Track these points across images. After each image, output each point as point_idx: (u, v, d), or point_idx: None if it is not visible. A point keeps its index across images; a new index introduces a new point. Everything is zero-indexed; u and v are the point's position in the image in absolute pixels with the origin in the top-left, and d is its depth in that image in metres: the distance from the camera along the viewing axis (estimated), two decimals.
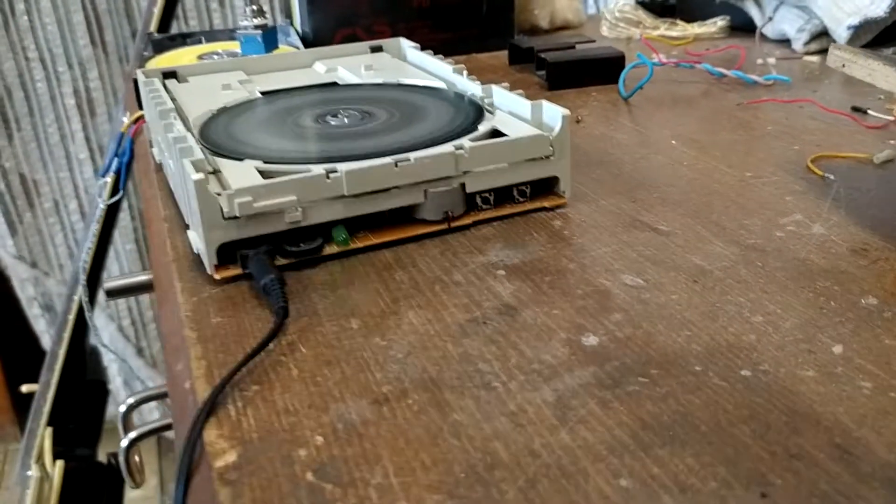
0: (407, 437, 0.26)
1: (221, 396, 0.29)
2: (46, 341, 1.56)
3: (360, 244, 0.40)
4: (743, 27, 0.88)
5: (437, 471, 0.25)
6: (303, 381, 0.30)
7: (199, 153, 0.39)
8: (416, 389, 0.29)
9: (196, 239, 0.39)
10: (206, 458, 0.26)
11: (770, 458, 0.25)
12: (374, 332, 0.33)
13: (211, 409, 0.28)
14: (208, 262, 0.37)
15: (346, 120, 0.47)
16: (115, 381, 1.58)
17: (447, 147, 0.41)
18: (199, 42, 0.77)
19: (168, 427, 0.65)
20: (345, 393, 0.29)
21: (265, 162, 0.40)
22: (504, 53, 0.82)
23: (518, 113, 0.46)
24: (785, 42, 0.83)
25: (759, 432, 0.26)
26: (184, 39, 0.77)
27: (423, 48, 0.62)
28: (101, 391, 1.05)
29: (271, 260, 0.37)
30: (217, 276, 0.37)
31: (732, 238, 0.40)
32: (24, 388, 1.01)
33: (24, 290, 1.54)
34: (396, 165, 0.39)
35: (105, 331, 1.56)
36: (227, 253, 0.37)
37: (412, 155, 0.39)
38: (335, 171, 0.38)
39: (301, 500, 0.24)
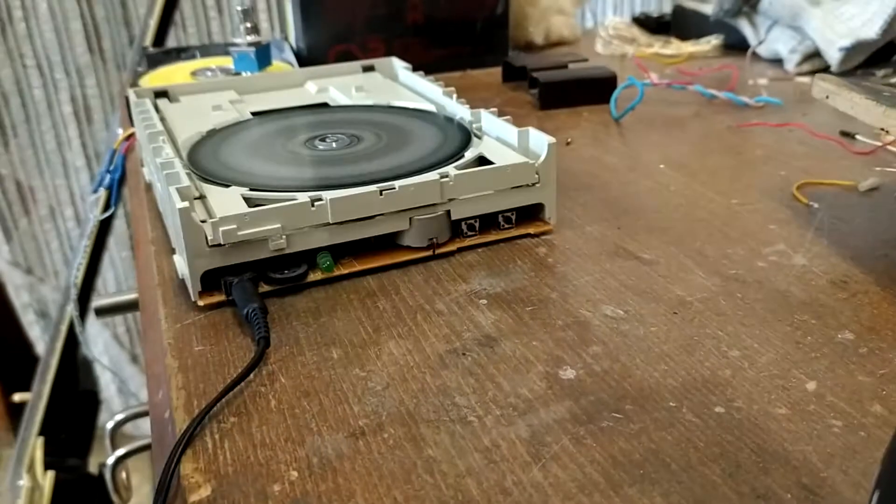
0: (381, 473, 0.27)
1: (199, 428, 0.29)
2: (41, 348, 1.56)
3: (344, 270, 0.40)
4: (737, 45, 0.88)
5: None
6: (281, 412, 0.30)
7: (185, 179, 0.39)
8: (392, 423, 0.29)
9: (181, 264, 0.39)
10: (181, 492, 0.27)
11: (738, 499, 0.25)
12: (354, 363, 0.33)
13: (188, 442, 0.28)
14: (192, 289, 0.37)
15: (333, 144, 0.47)
16: (109, 390, 1.58)
17: (432, 175, 0.41)
18: (194, 57, 0.77)
19: None
20: (322, 426, 0.29)
21: (251, 189, 0.40)
22: (499, 70, 0.82)
23: (505, 139, 0.47)
24: (778, 62, 0.83)
25: (728, 471, 0.26)
26: (178, 54, 0.77)
27: (417, 65, 0.62)
28: (92, 402, 1.05)
29: (255, 287, 0.37)
30: (201, 303, 0.37)
31: (715, 268, 0.40)
32: (17, 397, 1.01)
33: (19, 297, 1.54)
34: (381, 193, 0.39)
35: (99, 338, 1.56)
36: (212, 278, 0.37)
37: (397, 183, 0.40)
38: (320, 200, 0.38)
39: None
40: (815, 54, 0.80)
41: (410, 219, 0.41)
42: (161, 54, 0.77)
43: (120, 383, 1.55)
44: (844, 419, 0.29)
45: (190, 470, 0.27)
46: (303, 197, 0.38)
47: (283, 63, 0.75)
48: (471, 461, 0.27)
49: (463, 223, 0.42)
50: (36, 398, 0.97)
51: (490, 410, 0.30)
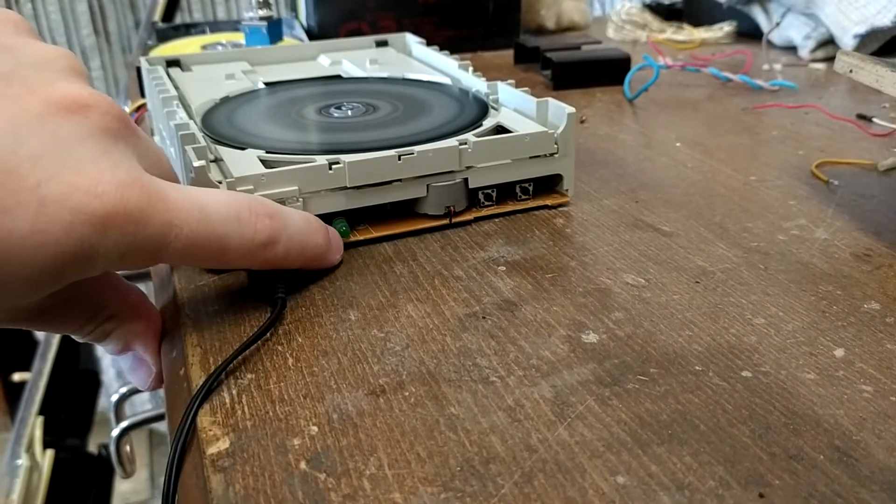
0: (403, 429, 0.26)
1: (216, 384, 0.29)
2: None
3: (360, 237, 0.39)
4: (749, 33, 0.88)
5: (433, 463, 0.25)
6: (299, 370, 0.29)
7: (201, 140, 0.38)
8: (413, 382, 0.29)
9: None
10: (198, 445, 0.26)
11: (769, 459, 0.25)
12: (372, 324, 0.33)
13: (205, 395, 0.28)
14: None
15: (349, 112, 0.47)
16: (108, 373, 1.57)
17: (451, 141, 0.40)
18: (204, 32, 0.76)
19: (160, 417, 0.65)
20: (341, 384, 0.29)
21: (267, 152, 0.40)
22: (509, 52, 0.82)
23: (523, 110, 0.46)
24: (791, 49, 0.83)
25: (758, 433, 0.26)
26: (188, 29, 0.77)
27: (428, 44, 0.61)
28: (93, 381, 1.05)
29: None
30: None
31: (735, 240, 0.39)
32: (17, 377, 1.01)
33: None
34: (399, 158, 0.38)
35: None
36: None
37: (416, 148, 0.39)
38: (338, 163, 0.38)
39: (294, 489, 0.24)
40: (829, 41, 0.79)
41: (428, 186, 0.40)
42: (170, 29, 0.77)
43: (119, 364, 1.54)
44: (875, 385, 0.28)
45: (208, 423, 0.27)
46: (320, 160, 0.38)
47: (294, 40, 0.74)
48: (494, 419, 0.27)
49: (480, 192, 0.42)
50: (36, 377, 0.97)
51: (512, 371, 0.29)
